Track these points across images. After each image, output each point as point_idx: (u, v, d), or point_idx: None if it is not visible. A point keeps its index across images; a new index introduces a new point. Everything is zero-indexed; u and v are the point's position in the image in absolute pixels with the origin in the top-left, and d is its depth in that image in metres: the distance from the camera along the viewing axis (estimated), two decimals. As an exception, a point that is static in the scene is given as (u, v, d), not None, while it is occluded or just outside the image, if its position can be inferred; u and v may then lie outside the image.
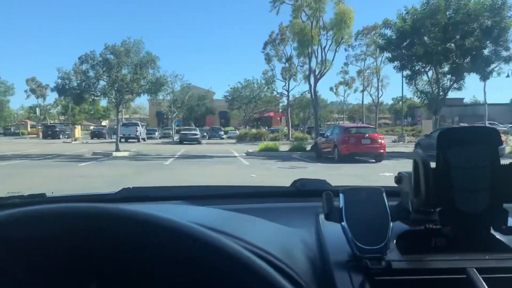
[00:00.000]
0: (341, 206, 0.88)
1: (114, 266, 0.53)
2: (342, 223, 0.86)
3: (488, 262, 0.86)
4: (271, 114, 61.84)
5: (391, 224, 0.86)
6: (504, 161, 0.85)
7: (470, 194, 0.83)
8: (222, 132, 48.87)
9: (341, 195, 0.91)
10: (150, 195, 1.48)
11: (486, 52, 18.83)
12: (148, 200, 1.43)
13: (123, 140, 33.83)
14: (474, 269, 0.80)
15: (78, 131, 48.53)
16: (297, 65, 42.23)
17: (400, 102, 55.14)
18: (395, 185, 1.13)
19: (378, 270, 0.80)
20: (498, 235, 0.90)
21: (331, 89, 62.51)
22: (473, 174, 0.84)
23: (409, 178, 0.96)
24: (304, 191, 1.44)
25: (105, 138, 45.36)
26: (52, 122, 61.05)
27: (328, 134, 17.95)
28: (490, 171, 0.84)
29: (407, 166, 1.02)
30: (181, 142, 33.61)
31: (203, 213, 1.00)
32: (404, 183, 1.00)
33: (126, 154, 19.91)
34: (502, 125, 41.52)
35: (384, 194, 0.91)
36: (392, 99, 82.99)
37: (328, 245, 0.90)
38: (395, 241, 0.92)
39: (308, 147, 21.34)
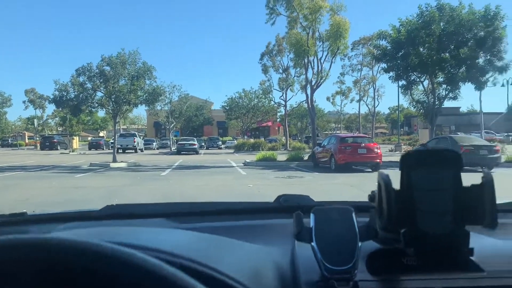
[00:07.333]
0: (311, 226, 0.88)
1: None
2: (312, 243, 0.86)
3: (458, 281, 0.86)
4: (269, 124, 61.93)
5: (360, 244, 0.85)
6: (466, 184, 0.86)
7: (433, 216, 0.83)
8: (220, 142, 48.83)
9: (311, 215, 0.90)
10: (133, 212, 1.48)
11: (480, 62, 18.91)
12: (131, 217, 1.42)
13: (120, 151, 33.83)
14: None
15: (75, 142, 48.52)
16: (294, 76, 42.55)
17: (397, 112, 55.37)
18: None
19: None
20: (467, 255, 0.89)
21: (327, 99, 62.88)
22: (436, 196, 0.84)
23: None
24: (286, 207, 1.42)
25: (103, 149, 45.36)
26: (50, 133, 61.00)
27: (325, 144, 17.99)
28: (452, 193, 0.84)
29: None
30: (178, 152, 33.58)
31: (174, 237, 1.00)
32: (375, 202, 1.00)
33: (123, 165, 19.86)
34: (498, 134, 41.73)
35: (353, 214, 0.90)
36: (389, 108, 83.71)
37: (300, 265, 0.89)
38: (365, 261, 0.91)
39: (306, 157, 21.36)
